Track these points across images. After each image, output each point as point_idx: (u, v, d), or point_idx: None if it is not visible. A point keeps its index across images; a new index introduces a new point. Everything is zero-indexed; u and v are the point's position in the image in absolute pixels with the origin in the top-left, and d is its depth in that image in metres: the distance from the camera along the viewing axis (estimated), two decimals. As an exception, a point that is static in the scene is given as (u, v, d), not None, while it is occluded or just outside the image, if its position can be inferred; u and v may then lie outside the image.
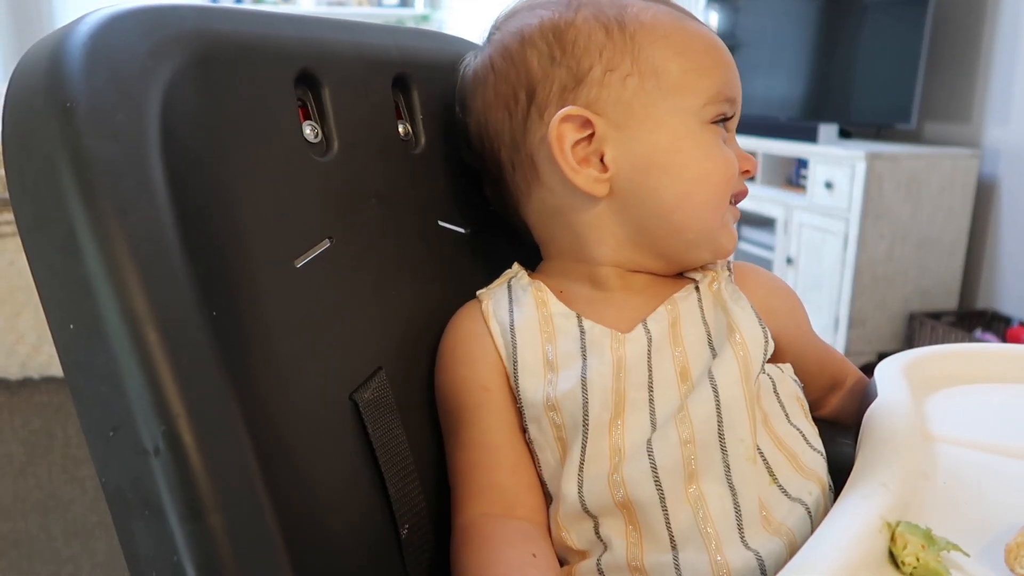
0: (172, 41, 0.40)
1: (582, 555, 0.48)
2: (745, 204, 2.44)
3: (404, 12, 4.84)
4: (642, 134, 0.50)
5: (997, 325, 2.34)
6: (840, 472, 0.48)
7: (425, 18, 4.85)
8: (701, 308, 0.51)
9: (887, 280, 2.41)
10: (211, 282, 0.39)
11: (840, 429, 0.59)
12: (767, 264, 2.77)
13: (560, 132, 0.50)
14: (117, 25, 0.39)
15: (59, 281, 0.34)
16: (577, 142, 0.50)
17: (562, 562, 0.49)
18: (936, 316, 2.39)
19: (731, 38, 3.39)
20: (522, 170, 0.53)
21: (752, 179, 3.00)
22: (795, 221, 2.61)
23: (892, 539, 0.38)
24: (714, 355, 0.49)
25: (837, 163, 2.41)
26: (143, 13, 0.41)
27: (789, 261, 2.65)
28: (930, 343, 2.30)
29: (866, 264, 2.38)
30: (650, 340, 0.50)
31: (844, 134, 2.71)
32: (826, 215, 2.46)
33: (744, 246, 2.93)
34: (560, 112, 0.49)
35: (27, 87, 0.36)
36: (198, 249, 0.38)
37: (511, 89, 0.52)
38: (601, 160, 0.50)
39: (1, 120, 0.36)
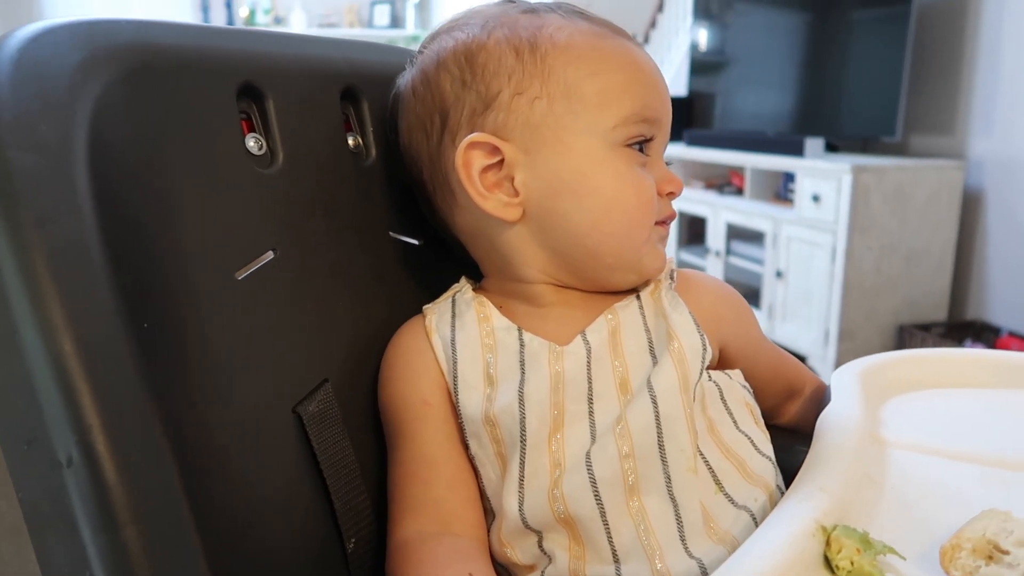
0: (105, 54, 0.40)
1: (529, 569, 0.47)
2: (734, 218, 2.42)
3: (395, 33, 4.88)
4: (551, 158, 0.49)
5: (987, 335, 2.33)
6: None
7: (416, 38, 4.89)
8: (643, 315, 0.51)
9: (876, 292, 2.41)
10: (144, 294, 0.39)
11: (800, 437, 0.58)
12: (757, 278, 2.78)
13: (467, 159, 0.49)
14: (48, 38, 0.39)
15: (-24, 292, 0.33)
16: (487, 167, 0.49)
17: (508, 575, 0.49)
18: (926, 328, 2.39)
19: (719, 54, 3.42)
20: (442, 192, 0.52)
21: (682, 197, 3.02)
22: (784, 235, 2.61)
23: (827, 543, 0.38)
24: (655, 363, 0.48)
25: (824, 176, 2.41)
26: (77, 27, 0.41)
27: (779, 275, 2.65)
28: (920, 355, 2.29)
29: (854, 276, 2.38)
30: (589, 351, 0.49)
31: (831, 148, 2.72)
32: (814, 228, 2.46)
33: (733, 260, 2.94)
34: (466, 139, 0.49)
35: (-51, 100, 0.36)
36: (129, 261, 0.38)
37: (427, 112, 0.52)
38: (514, 184, 0.50)
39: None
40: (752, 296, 2.81)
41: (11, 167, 0.34)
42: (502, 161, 0.49)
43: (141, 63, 0.42)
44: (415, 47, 0.57)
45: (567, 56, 0.49)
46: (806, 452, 0.53)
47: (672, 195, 0.53)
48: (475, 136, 0.49)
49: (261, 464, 0.45)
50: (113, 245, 0.37)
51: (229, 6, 4.78)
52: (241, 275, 0.46)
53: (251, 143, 0.48)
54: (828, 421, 0.49)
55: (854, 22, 2.71)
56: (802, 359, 2.44)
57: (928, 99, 2.55)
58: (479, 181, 0.49)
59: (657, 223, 0.52)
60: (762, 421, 0.53)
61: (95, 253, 0.36)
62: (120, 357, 0.35)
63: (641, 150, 0.51)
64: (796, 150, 2.60)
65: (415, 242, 0.58)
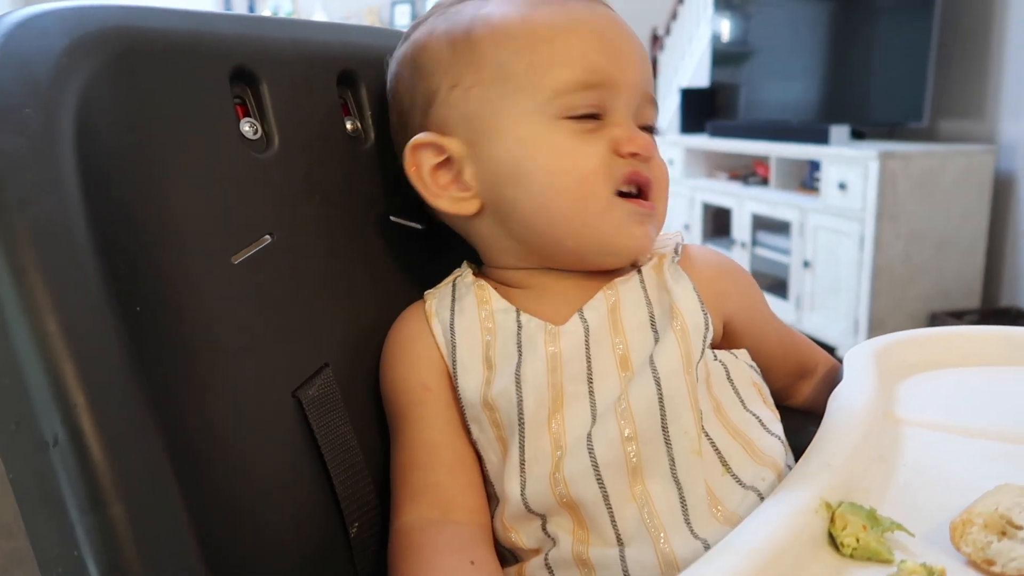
0: (93, 39, 0.40)
1: (533, 552, 0.47)
2: (759, 209, 2.38)
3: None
4: (491, 145, 0.48)
5: (1022, 323, 2.28)
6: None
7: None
8: (644, 289, 0.49)
9: (906, 280, 2.36)
10: (135, 276, 0.39)
11: (812, 418, 0.57)
12: (783, 269, 2.74)
13: (415, 160, 0.49)
14: (34, 24, 0.39)
15: (-37, 275, 0.33)
16: (437, 166, 0.49)
17: (514, 560, 0.48)
18: (958, 315, 2.33)
19: (741, 44, 3.38)
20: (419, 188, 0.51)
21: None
22: (810, 224, 2.57)
23: (832, 520, 0.36)
24: (656, 339, 0.47)
25: (850, 164, 2.37)
26: (65, 12, 0.41)
27: (806, 264, 2.61)
28: (953, 343, 2.24)
29: (884, 265, 2.33)
30: (587, 330, 0.48)
31: (857, 135, 2.67)
32: (841, 216, 2.42)
33: (760, 251, 2.90)
34: (409, 143, 0.49)
35: (-65, 86, 0.36)
36: (118, 244, 0.38)
37: (396, 116, 0.53)
38: (464, 179, 0.49)
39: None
40: (779, 287, 2.77)
41: (-6, 149, 0.34)
42: (450, 158, 0.49)
43: (129, 47, 0.42)
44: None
45: (497, 36, 0.48)
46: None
47: (637, 156, 0.48)
48: (417, 138, 0.49)
49: (261, 448, 0.45)
50: (101, 228, 0.37)
51: (252, 8, 4.83)
52: (237, 259, 0.46)
53: (246, 127, 0.48)
54: (839, 399, 0.48)
55: (878, 5, 2.66)
56: (831, 350, 2.40)
57: (956, 82, 2.49)
58: (430, 181, 0.49)
59: (623, 195, 0.48)
60: (771, 400, 0.52)
61: (79, 235, 0.35)
62: (107, 338, 0.35)
63: (588, 118, 0.47)
64: (821, 138, 2.56)
65: (417, 226, 0.58)
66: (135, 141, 0.41)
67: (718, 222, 3.28)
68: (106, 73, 0.40)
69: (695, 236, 3.36)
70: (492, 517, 0.48)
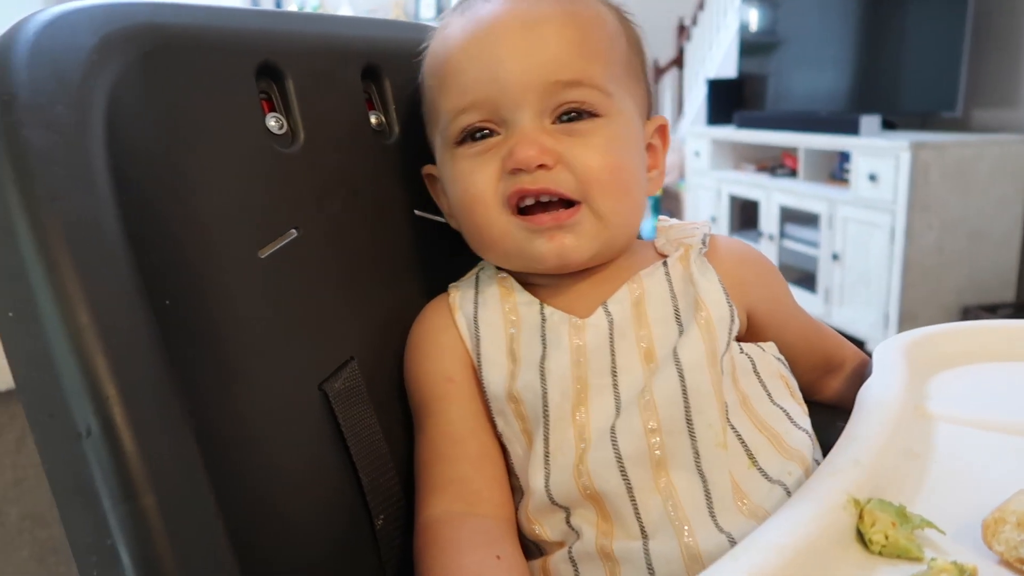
0: (121, 36, 0.41)
1: (557, 545, 0.47)
2: (787, 200, 2.34)
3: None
4: (440, 175, 0.53)
5: (1058, 316, 2.23)
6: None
7: (462, 31, 4.89)
8: (669, 281, 0.49)
9: (938, 273, 2.32)
10: (164, 271, 0.39)
11: (840, 413, 0.56)
12: (812, 261, 2.70)
13: (429, 183, 0.55)
14: (65, 21, 0.39)
15: (-1, 269, 0.34)
16: (442, 191, 0.54)
17: (538, 552, 0.48)
18: (992, 309, 2.29)
19: (770, 34, 3.33)
20: None
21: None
22: (839, 216, 2.54)
23: (860, 516, 0.36)
24: (681, 331, 0.47)
25: (880, 155, 2.33)
26: (93, 9, 0.41)
27: (835, 257, 2.57)
28: (986, 337, 2.20)
29: (915, 257, 2.29)
30: (611, 323, 0.48)
31: (888, 125, 2.63)
32: (871, 208, 2.38)
33: (788, 243, 2.86)
34: (423, 169, 0.55)
35: (-28, 82, 0.36)
36: (148, 239, 0.39)
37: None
38: None
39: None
40: (808, 280, 2.74)
41: (27, 146, 0.35)
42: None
43: (157, 44, 0.42)
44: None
45: (425, 73, 0.52)
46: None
47: (517, 170, 0.46)
48: (424, 169, 0.55)
49: (288, 441, 0.45)
50: (131, 223, 0.37)
51: (279, 4, 4.86)
52: (264, 254, 0.46)
53: (272, 122, 0.48)
54: (868, 393, 0.47)
55: (910, -7, 2.60)
56: (860, 344, 2.37)
57: (990, 71, 2.43)
58: (444, 202, 0.54)
59: (519, 215, 0.47)
60: (799, 394, 0.51)
61: (110, 230, 0.36)
62: (138, 330, 0.35)
63: (485, 137, 0.48)
64: (851, 129, 2.52)
65: (440, 219, 0.58)
66: (163, 137, 0.42)
67: (745, 214, 3.25)
68: (135, 70, 0.41)
69: (722, 228, 3.33)
70: (516, 510, 0.48)
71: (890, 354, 0.53)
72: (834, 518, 0.35)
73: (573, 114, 0.47)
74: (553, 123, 0.47)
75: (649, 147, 0.53)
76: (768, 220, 2.94)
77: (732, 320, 0.47)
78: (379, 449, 0.50)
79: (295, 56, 0.50)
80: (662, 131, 0.53)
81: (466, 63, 0.47)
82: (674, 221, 0.54)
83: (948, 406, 0.49)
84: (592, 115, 0.47)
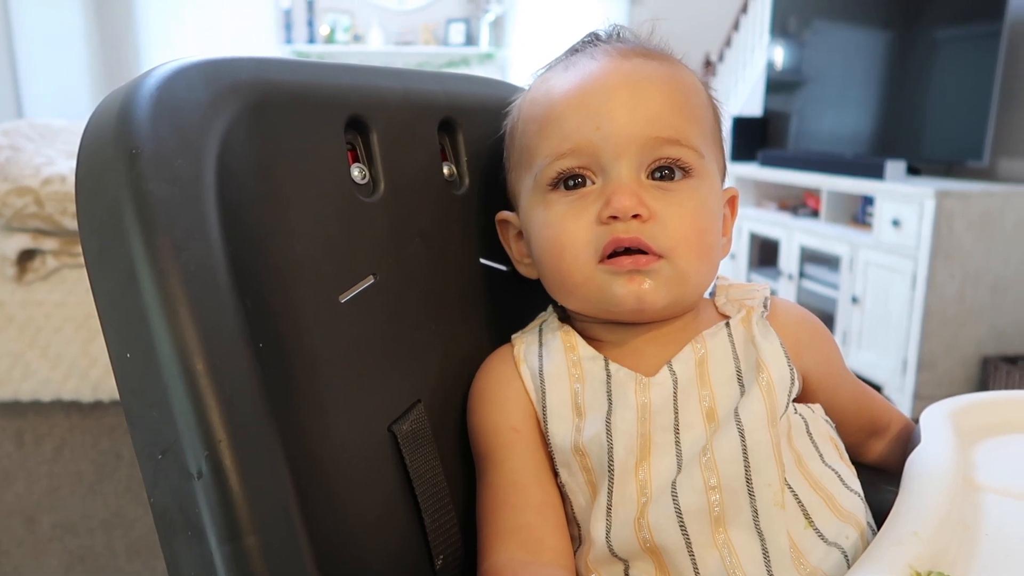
0: (230, 91, 0.43)
1: (615, 595, 0.48)
2: (808, 241, 2.35)
3: (469, 51, 4.96)
4: (524, 219, 0.54)
5: (1079, 371, 2.22)
6: (884, 520, 0.47)
7: (490, 56, 4.95)
8: (732, 343, 0.51)
9: (959, 322, 2.33)
10: (259, 315, 0.42)
11: (885, 476, 0.58)
12: (831, 303, 2.71)
13: (502, 230, 0.58)
14: (181, 77, 0.42)
15: (119, 313, 0.36)
16: (517, 235, 0.56)
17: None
18: (1012, 360, 2.29)
19: (796, 73, 3.36)
20: None
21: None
22: (860, 259, 2.55)
23: (922, 589, 0.37)
24: (742, 392, 0.49)
25: (905, 200, 2.35)
26: (205, 65, 0.44)
27: (854, 300, 2.58)
28: (1006, 388, 2.21)
29: (936, 305, 2.30)
30: (676, 382, 0.50)
31: (913, 171, 2.64)
32: (893, 254, 2.40)
33: (807, 284, 2.88)
34: (496, 216, 0.57)
35: (99, 135, 0.39)
36: (248, 284, 0.41)
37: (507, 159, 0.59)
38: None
39: (77, 164, 0.40)
40: (826, 322, 2.71)
41: (151, 198, 0.37)
42: (521, 231, 0.56)
43: (261, 99, 0.45)
44: (488, 65, 0.63)
45: (524, 114, 0.54)
46: (892, 491, 0.52)
47: (612, 219, 0.48)
48: (499, 214, 0.57)
49: (361, 481, 0.47)
50: (236, 269, 0.40)
51: (311, 24, 4.94)
52: (344, 298, 0.48)
53: (356, 172, 0.51)
54: (920, 462, 0.49)
55: (940, 40, 2.63)
56: (878, 388, 2.36)
57: (1018, 121, 2.45)
58: (514, 248, 0.57)
59: (608, 260, 0.48)
60: (847, 456, 0.53)
61: (221, 277, 0.38)
62: (244, 375, 0.37)
63: (579, 186, 0.50)
64: (876, 173, 2.54)
65: (503, 268, 0.60)
66: (265, 186, 0.44)
67: (765, 253, 3.26)
68: (242, 123, 0.43)
69: (741, 266, 3.34)
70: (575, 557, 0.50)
71: (937, 421, 0.54)
72: (899, 590, 0.37)
73: (667, 171, 0.50)
74: (648, 178, 0.50)
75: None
76: (788, 260, 2.95)
77: (792, 382, 0.49)
78: (442, 490, 0.51)
79: (380, 110, 0.52)
80: (732, 202, 0.56)
81: (570, 111, 0.50)
82: (733, 281, 0.56)
83: (993, 477, 0.51)
84: (685, 174, 0.50)
